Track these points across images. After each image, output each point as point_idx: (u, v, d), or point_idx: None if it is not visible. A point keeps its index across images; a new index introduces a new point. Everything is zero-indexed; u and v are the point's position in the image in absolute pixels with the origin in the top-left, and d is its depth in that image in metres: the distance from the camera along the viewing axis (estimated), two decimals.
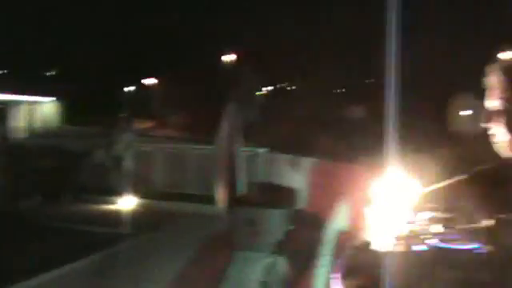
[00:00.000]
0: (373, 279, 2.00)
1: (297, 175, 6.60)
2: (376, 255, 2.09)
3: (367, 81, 22.02)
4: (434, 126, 11.28)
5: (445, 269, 2.03)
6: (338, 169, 5.65)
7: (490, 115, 2.09)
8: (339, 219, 2.58)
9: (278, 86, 26.72)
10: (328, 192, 5.09)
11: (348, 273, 2.12)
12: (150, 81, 29.27)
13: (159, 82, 28.57)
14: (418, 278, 1.99)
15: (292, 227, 5.37)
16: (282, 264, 4.84)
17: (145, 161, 11.86)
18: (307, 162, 6.57)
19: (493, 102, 2.07)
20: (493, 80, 2.05)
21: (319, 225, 4.05)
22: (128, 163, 11.33)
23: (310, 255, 4.05)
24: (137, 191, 10.47)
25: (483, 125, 2.10)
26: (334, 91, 24.49)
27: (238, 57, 25.32)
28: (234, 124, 5.95)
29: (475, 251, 2.03)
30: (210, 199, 6.44)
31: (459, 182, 2.18)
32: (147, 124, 19.82)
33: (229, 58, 25.99)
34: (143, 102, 23.87)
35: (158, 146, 13.11)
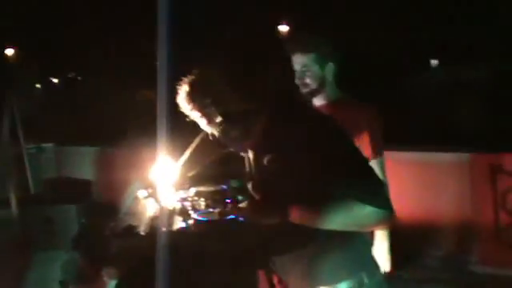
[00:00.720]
0: (141, 262, 2.11)
1: (89, 167, 6.54)
2: (143, 237, 2.21)
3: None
4: None
5: (210, 241, 2.21)
6: (126, 156, 5.72)
7: None
8: (128, 206, 2.65)
9: (67, 76, 25.62)
10: (118, 180, 5.16)
11: (116, 259, 2.20)
12: None
13: None
14: (187, 254, 2.15)
15: (88, 221, 5.34)
16: (79, 260, 4.79)
17: None
18: (97, 153, 6.53)
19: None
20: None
21: (114, 215, 4.06)
22: None
23: (104, 247, 4.07)
24: None
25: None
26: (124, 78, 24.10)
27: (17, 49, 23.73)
28: (10, 120, 5.67)
29: (234, 221, 2.25)
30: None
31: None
32: None
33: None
34: None
35: None
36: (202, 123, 2.15)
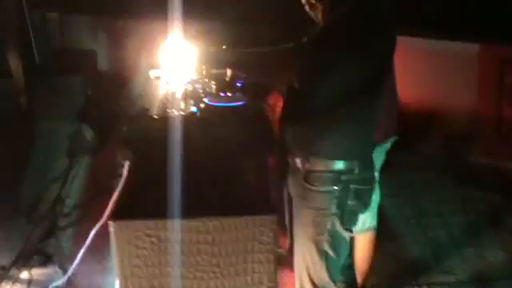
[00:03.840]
0: (151, 144, 2.14)
1: (96, 38, 6.43)
2: (155, 121, 2.23)
3: None
4: None
5: (220, 127, 2.25)
6: (137, 29, 5.61)
7: None
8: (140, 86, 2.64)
9: None
10: (127, 53, 5.10)
11: (126, 140, 2.24)
12: None
13: None
14: (198, 139, 2.19)
15: (91, 93, 5.34)
16: (86, 131, 4.86)
17: None
18: (106, 23, 6.39)
19: None
20: None
21: (122, 89, 4.03)
22: None
23: (112, 119, 4.11)
24: None
25: None
26: None
27: None
28: None
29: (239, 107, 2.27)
30: None
31: None
32: None
33: None
34: None
35: None
36: None
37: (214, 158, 2.17)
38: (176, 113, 2.25)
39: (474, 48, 5.14)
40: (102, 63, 6.41)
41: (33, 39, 5.96)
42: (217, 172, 2.16)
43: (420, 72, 5.23)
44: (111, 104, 4.49)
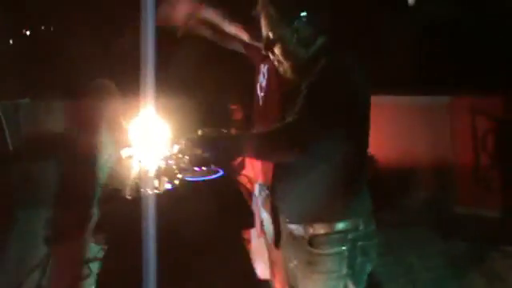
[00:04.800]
0: (130, 226, 2.09)
1: (65, 121, 6.43)
2: (129, 202, 2.19)
3: None
4: None
5: (198, 200, 2.21)
6: (107, 109, 5.60)
7: None
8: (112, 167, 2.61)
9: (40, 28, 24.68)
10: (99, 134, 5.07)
11: (99, 225, 2.19)
12: None
13: None
14: (175, 215, 2.14)
15: (66, 176, 5.28)
16: (59, 217, 4.77)
17: None
18: (75, 106, 6.40)
19: None
20: None
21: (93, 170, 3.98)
22: None
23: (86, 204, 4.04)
24: None
25: None
26: None
27: None
28: None
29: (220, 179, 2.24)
30: None
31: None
32: None
33: None
34: None
35: None
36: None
37: (189, 236, 2.12)
38: (150, 192, 2.21)
39: (444, 100, 5.25)
40: (75, 145, 6.38)
41: (5, 126, 5.96)
42: (192, 253, 2.11)
43: (393, 127, 5.29)
44: (86, 187, 4.43)
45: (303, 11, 2.05)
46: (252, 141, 2.06)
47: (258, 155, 2.18)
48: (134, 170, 2.41)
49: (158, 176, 2.24)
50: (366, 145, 2.18)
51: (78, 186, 5.00)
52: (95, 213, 2.25)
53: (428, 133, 5.34)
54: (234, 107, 4.56)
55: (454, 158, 5.24)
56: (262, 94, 2.70)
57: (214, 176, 2.25)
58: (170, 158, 2.42)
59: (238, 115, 4.55)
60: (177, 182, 2.27)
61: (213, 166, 2.31)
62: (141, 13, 2.33)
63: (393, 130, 5.30)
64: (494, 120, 5.08)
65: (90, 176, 4.29)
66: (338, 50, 2.11)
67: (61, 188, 5.09)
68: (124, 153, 2.55)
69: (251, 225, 2.32)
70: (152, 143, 2.39)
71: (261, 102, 2.70)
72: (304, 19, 2.05)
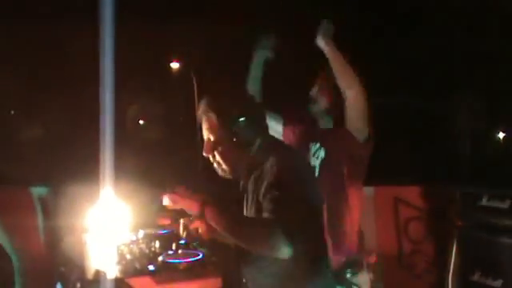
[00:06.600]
0: None
1: None
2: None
3: None
4: None
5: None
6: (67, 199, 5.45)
7: None
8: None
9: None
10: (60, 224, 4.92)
11: None
12: None
13: None
14: None
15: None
16: None
17: None
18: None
19: None
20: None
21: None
22: None
23: None
24: None
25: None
26: None
27: None
28: None
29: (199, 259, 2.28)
30: None
31: None
32: None
33: None
34: None
35: None
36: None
37: None
38: (115, 277, 2.22)
39: (369, 190, 5.55)
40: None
41: None
42: None
43: None
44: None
45: (242, 116, 2.24)
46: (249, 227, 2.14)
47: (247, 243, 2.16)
48: (98, 256, 2.40)
49: (139, 259, 2.27)
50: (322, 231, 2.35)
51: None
52: None
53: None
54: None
55: (379, 245, 5.48)
56: None
57: (195, 258, 2.29)
58: (135, 242, 2.45)
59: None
60: (158, 264, 2.28)
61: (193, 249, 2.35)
62: None
63: None
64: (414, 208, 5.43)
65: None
66: (278, 149, 2.31)
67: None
68: (87, 238, 2.55)
69: None
70: (115, 227, 2.42)
71: None
72: (243, 123, 2.24)
